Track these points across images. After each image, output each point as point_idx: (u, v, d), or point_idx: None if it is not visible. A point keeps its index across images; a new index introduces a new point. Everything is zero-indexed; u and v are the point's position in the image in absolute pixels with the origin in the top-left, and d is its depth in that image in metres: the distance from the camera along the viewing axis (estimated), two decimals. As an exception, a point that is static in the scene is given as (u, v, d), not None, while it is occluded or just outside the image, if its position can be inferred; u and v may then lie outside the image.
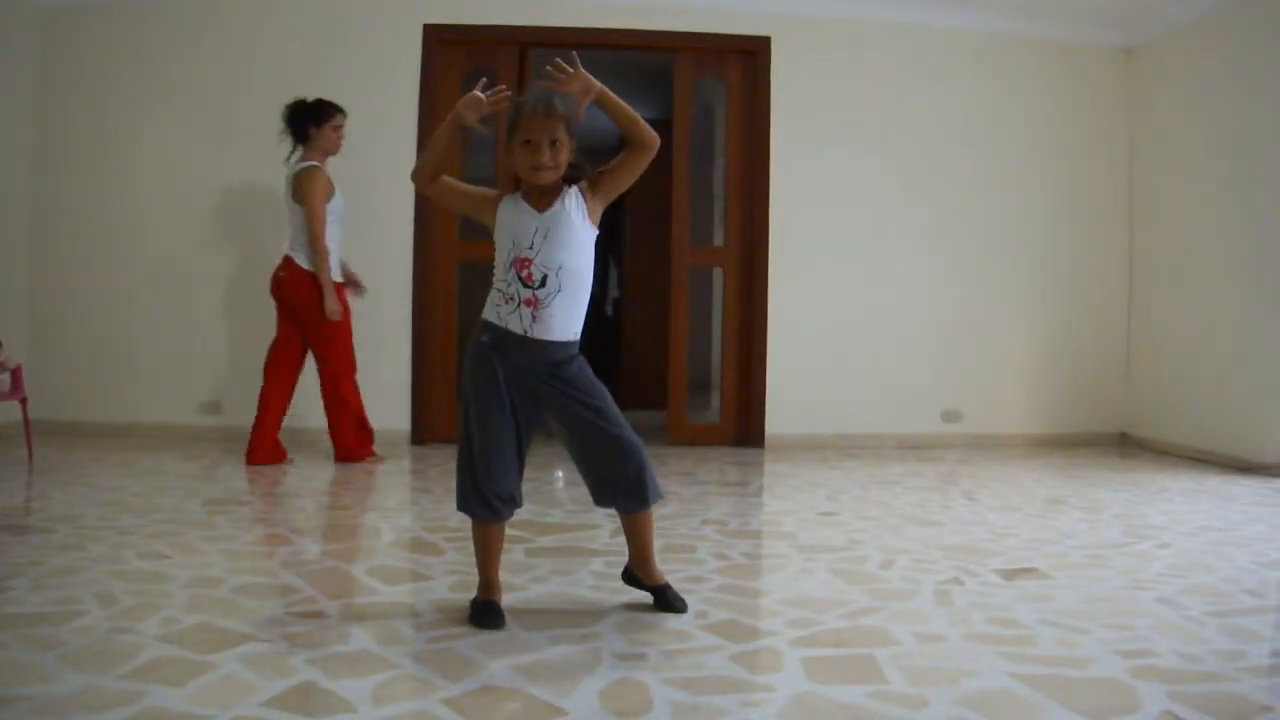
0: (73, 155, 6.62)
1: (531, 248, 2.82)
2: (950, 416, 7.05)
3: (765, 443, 6.81)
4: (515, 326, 2.84)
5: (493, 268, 2.91)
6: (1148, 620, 2.92)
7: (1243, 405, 6.11)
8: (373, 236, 6.51)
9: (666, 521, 4.24)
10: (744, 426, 6.94)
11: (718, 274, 7.38)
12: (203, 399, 6.61)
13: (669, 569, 3.25)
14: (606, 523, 4.17)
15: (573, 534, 4.01)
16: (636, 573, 3.07)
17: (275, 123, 5.74)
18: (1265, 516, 4.65)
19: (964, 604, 3.08)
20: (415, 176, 2.93)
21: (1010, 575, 3.45)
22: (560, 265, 2.83)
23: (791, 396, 6.86)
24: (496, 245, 2.91)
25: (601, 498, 2.98)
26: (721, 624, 2.83)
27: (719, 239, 7.61)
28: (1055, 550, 3.86)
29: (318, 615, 2.85)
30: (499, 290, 2.88)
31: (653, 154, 2.90)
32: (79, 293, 6.65)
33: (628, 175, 2.94)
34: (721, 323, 7.16)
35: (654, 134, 2.88)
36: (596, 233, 2.95)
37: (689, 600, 3.03)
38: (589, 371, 2.95)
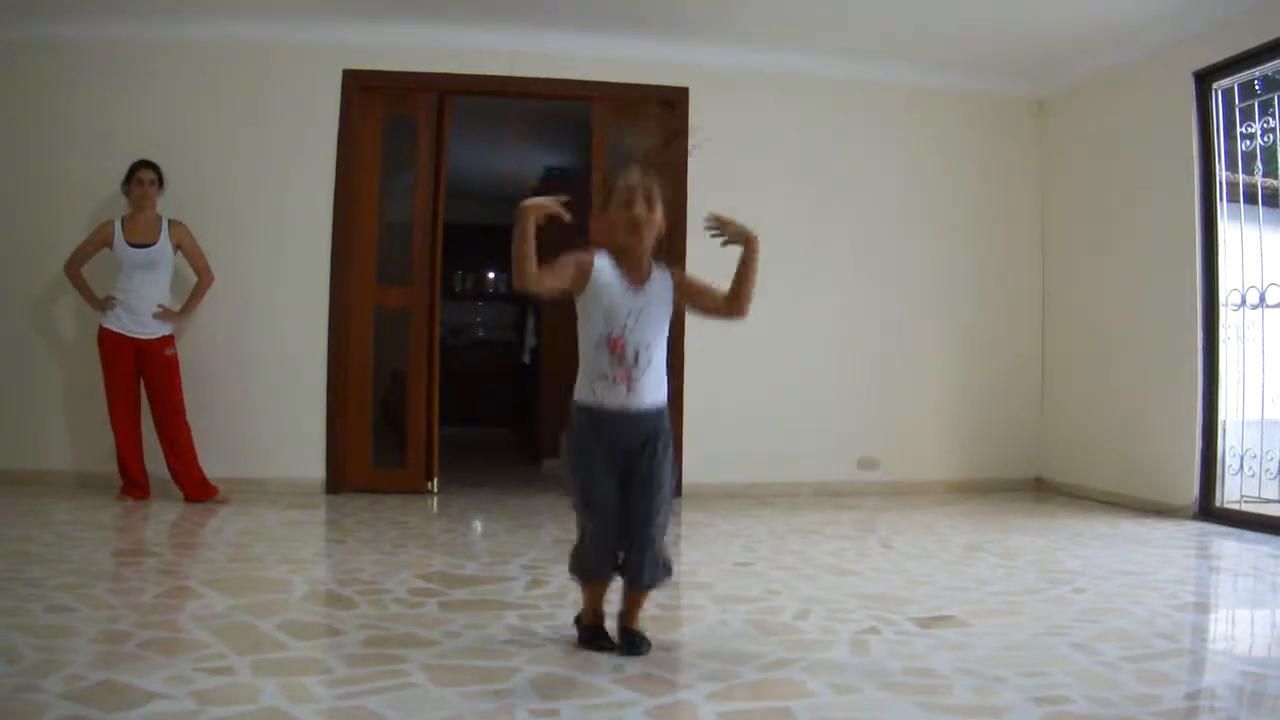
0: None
1: (625, 329, 3.02)
2: (867, 464, 7.08)
3: (682, 491, 6.77)
4: (612, 402, 3.02)
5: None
6: (1063, 666, 2.95)
7: (1155, 449, 6.23)
8: (289, 281, 6.45)
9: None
10: (662, 475, 6.87)
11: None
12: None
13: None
14: (521, 575, 4.13)
15: (487, 586, 3.96)
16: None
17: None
18: (1178, 559, 4.74)
19: (880, 654, 3.09)
20: (518, 285, 3.00)
21: (927, 624, 3.46)
22: (649, 344, 3.06)
23: (707, 445, 6.83)
24: (584, 318, 3.07)
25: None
26: (637, 678, 2.80)
27: (637, 286, 7.56)
28: (972, 597, 3.89)
29: (227, 672, 2.76)
30: (593, 369, 3.04)
31: (733, 320, 3.21)
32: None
33: (703, 309, 3.23)
34: (639, 371, 7.09)
35: (749, 309, 3.15)
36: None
37: (606, 653, 3.01)
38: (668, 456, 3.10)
